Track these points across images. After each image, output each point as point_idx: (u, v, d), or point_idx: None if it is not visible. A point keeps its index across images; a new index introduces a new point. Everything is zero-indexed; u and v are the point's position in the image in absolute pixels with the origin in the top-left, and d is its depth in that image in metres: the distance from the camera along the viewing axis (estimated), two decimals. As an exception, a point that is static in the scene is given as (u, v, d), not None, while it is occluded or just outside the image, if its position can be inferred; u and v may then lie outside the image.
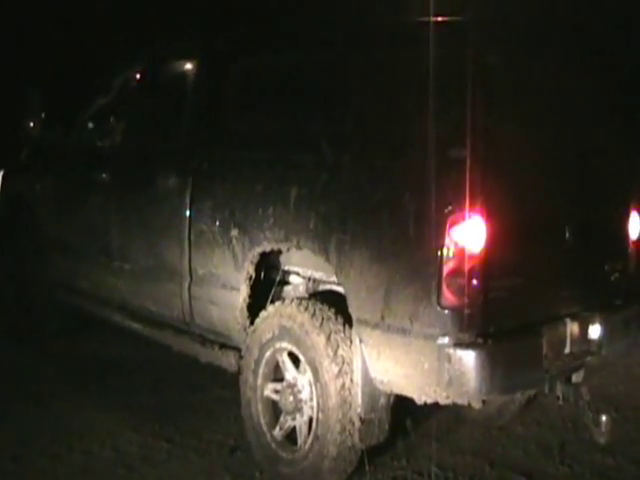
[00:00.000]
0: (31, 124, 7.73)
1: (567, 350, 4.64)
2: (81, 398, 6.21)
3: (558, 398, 4.82)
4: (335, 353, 4.51)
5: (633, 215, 5.30)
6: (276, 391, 4.89)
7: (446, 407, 4.69)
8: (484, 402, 4.36)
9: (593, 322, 4.77)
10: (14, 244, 7.83)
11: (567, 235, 4.66)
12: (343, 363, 4.51)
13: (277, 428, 4.90)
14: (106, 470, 5.03)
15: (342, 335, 4.56)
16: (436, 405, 4.46)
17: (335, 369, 4.49)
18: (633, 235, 5.32)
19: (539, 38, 4.68)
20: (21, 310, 7.74)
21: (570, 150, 4.80)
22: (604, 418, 4.81)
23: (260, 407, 4.96)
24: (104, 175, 6.47)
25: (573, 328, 4.67)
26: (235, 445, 5.33)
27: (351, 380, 4.50)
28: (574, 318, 4.70)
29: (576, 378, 4.89)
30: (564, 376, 4.79)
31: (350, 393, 4.50)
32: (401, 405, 4.71)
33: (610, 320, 4.87)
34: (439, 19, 4.28)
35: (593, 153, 5.01)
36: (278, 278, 5.21)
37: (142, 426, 5.65)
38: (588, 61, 5.08)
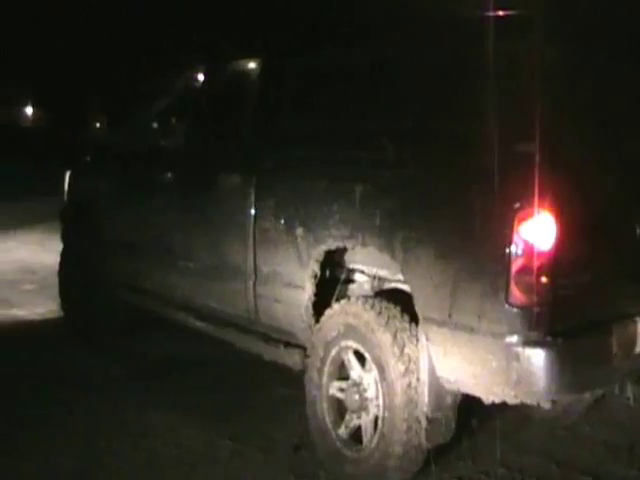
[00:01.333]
0: (96, 125, 7.81)
1: (638, 349, 4.54)
2: (145, 396, 6.25)
3: (628, 399, 4.78)
4: (401, 352, 4.48)
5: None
6: (341, 389, 4.88)
7: (512, 406, 4.64)
8: (553, 402, 4.30)
9: None
10: (79, 244, 7.92)
11: (638, 232, 4.57)
12: (409, 362, 4.48)
13: (342, 427, 4.88)
14: (170, 468, 5.06)
15: (408, 333, 4.53)
16: (502, 404, 4.40)
17: (401, 368, 4.46)
18: None
19: (604, 31, 4.59)
20: (85, 309, 7.81)
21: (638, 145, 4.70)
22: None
23: (325, 406, 4.95)
24: (168, 175, 6.53)
25: None
26: (299, 444, 5.30)
27: (417, 379, 4.47)
28: None
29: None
30: (635, 376, 4.69)
31: (416, 392, 4.46)
32: (466, 404, 4.65)
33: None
34: (504, 13, 4.24)
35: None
36: (343, 276, 5.20)
37: (206, 424, 5.66)
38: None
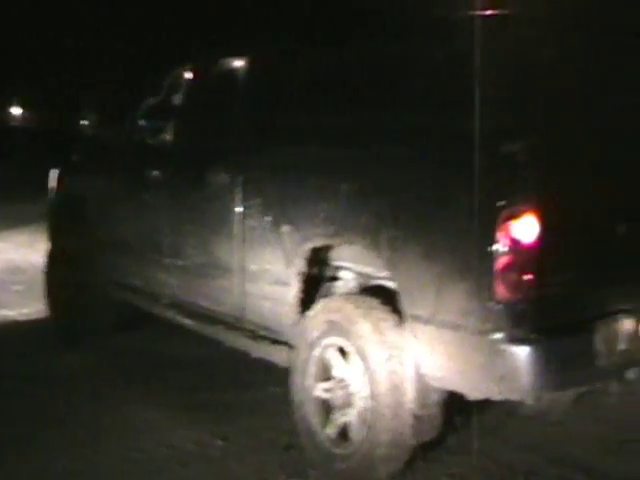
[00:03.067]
0: (84, 123, 7.82)
1: (621, 347, 4.58)
2: (136, 396, 6.28)
3: (611, 394, 4.79)
4: (383, 339, 4.52)
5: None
6: (326, 390, 4.90)
7: (499, 402, 4.67)
8: (537, 398, 4.35)
9: None
10: (66, 243, 7.89)
11: (621, 231, 4.60)
12: (392, 349, 4.51)
13: (329, 426, 4.88)
14: (162, 468, 5.06)
15: (389, 323, 4.57)
16: (488, 400, 4.44)
17: (384, 355, 4.50)
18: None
19: (585, 27, 4.62)
20: (73, 309, 7.78)
21: (623, 146, 4.73)
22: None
23: (311, 408, 4.96)
24: (156, 173, 6.56)
25: (627, 325, 4.61)
26: (289, 443, 5.30)
27: (401, 364, 4.50)
28: (628, 315, 4.63)
29: (630, 375, 4.83)
30: (618, 373, 4.72)
31: (401, 379, 4.49)
32: (453, 399, 4.67)
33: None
34: (492, 12, 4.27)
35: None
36: (329, 274, 5.23)
37: (197, 424, 5.68)
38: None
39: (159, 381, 6.60)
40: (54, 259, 8.07)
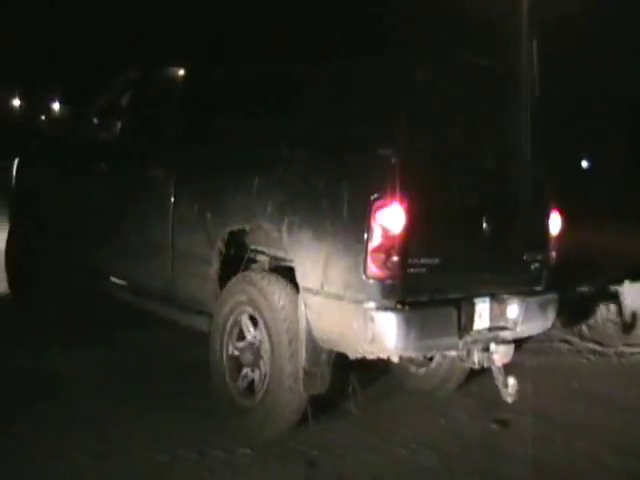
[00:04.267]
0: (42, 118, 8.52)
1: (484, 324, 5.52)
2: (165, 400, 6.20)
3: (474, 363, 5.69)
4: (282, 308, 5.40)
5: (553, 214, 6.15)
6: (239, 349, 5.78)
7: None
8: (401, 358, 5.28)
9: (511, 303, 5.66)
10: (24, 227, 8.62)
11: (484, 226, 5.50)
12: (289, 316, 5.37)
13: (239, 380, 5.74)
14: (190, 473, 5.10)
15: (288, 295, 5.45)
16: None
17: (283, 322, 5.37)
18: (553, 232, 6.15)
19: (457, 55, 5.61)
20: (30, 289, 8.35)
21: (489, 152, 5.70)
22: (511, 381, 5.67)
23: (225, 362, 5.84)
24: (104, 165, 7.45)
25: (492, 306, 5.56)
26: (315, 454, 5.47)
27: (298, 337, 5.35)
28: (494, 298, 5.58)
29: (493, 348, 5.65)
30: (481, 345, 5.62)
31: (296, 348, 5.34)
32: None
33: (527, 302, 5.75)
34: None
35: (513, 157, 5.92)
36: (247, 255, 6.08)
37: (226, 431, 5.68)
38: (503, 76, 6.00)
39: (185, 385, 6.45)
40: (13, 242, 8.80)
